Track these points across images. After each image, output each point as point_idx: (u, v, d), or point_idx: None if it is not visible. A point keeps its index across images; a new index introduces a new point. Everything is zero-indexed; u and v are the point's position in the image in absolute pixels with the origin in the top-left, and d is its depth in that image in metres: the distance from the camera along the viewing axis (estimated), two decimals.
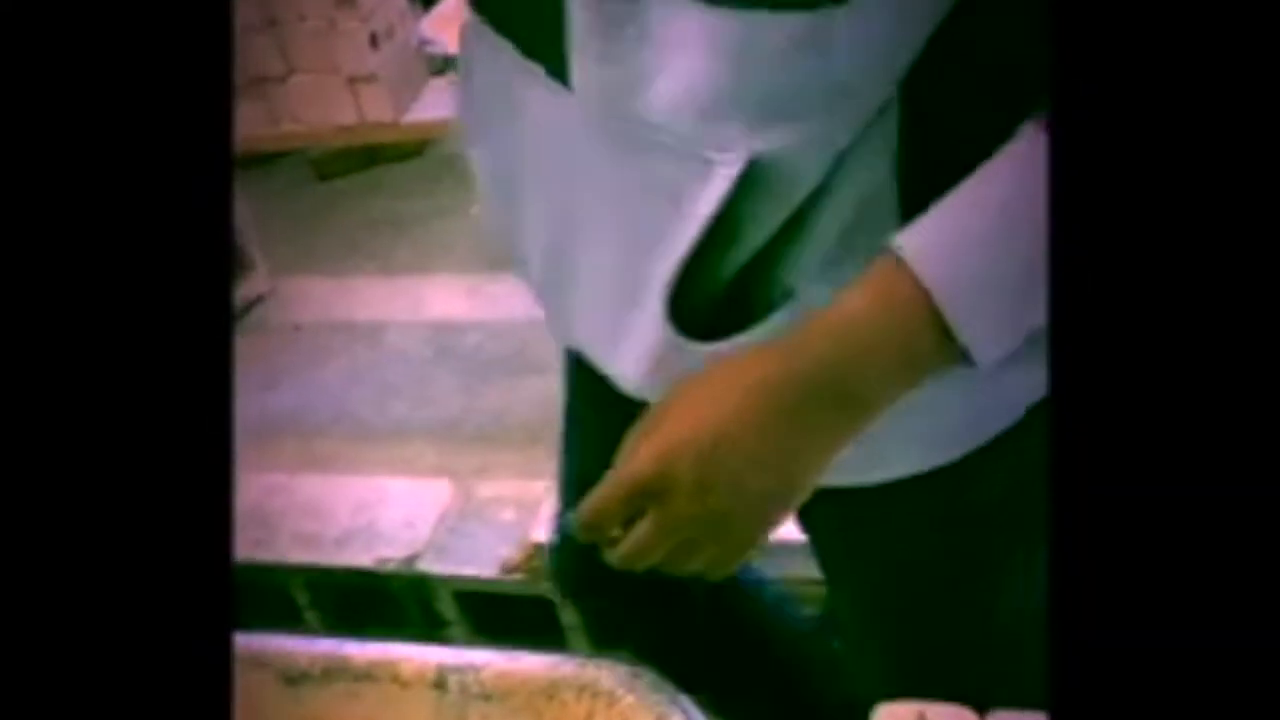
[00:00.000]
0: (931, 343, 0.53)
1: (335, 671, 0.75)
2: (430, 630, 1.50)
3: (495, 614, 1.52)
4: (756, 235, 0.59)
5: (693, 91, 0.55)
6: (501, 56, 0.65)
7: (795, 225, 0.59)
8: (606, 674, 0.71)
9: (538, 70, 0.62)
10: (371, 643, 0.76)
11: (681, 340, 0.61)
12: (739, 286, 0.61)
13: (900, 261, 0.53)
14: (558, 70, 0.60)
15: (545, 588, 1.42)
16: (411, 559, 1.50)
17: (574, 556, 0.97)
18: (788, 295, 0.61)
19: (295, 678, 0.75)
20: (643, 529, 0.58)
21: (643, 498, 0.58)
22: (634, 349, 0.64)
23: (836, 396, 0.54)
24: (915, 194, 0.55)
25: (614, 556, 0.61)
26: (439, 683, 0.72)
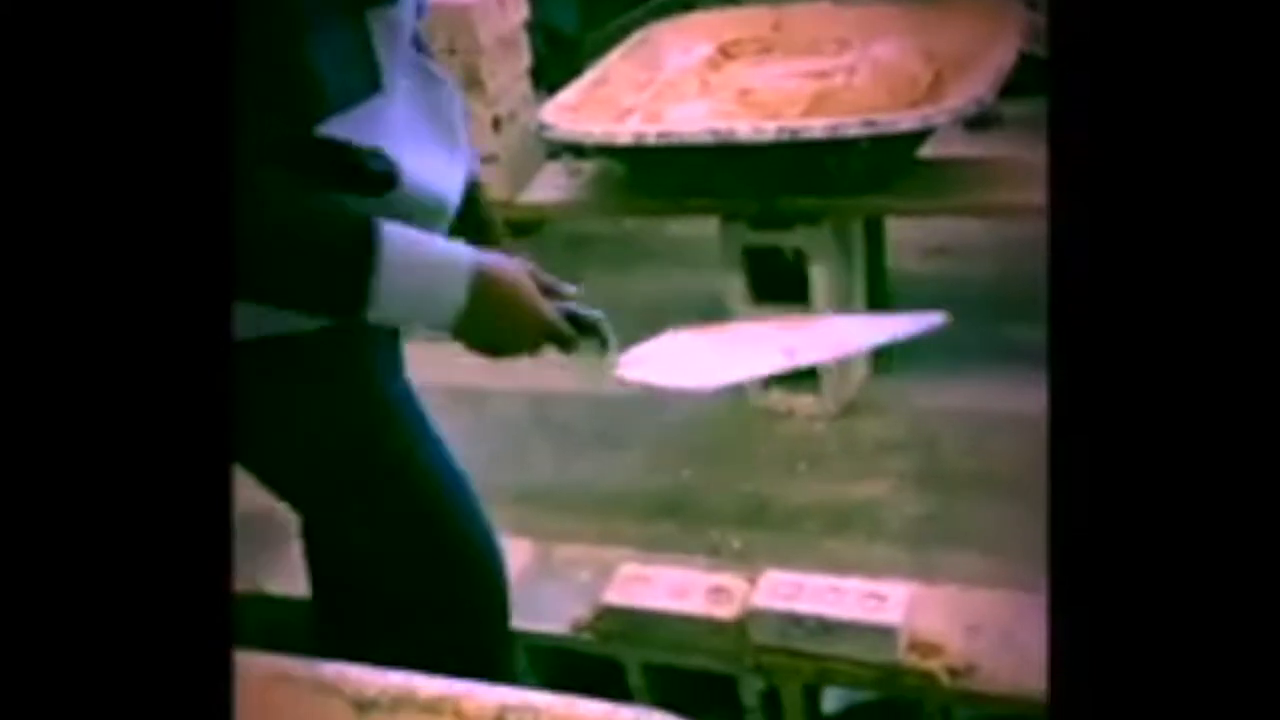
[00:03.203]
0: None
1: (403, 702, 0.82)
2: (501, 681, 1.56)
3: (563, 671, 1.58)
4: None
5: None
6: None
7: None
8: None
9: None
10: (439, 678, 0.82)
11: None
12: None
13: None
14: None
15: (613, 648, 1.48)
16: None
17: None
18: None
19: (365, 705, 0.82)
20: None
21: None
22: None
23: None
24: None
25: None
26: None
